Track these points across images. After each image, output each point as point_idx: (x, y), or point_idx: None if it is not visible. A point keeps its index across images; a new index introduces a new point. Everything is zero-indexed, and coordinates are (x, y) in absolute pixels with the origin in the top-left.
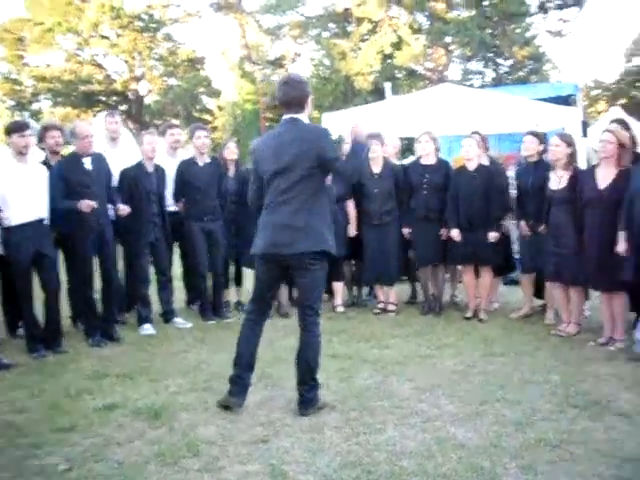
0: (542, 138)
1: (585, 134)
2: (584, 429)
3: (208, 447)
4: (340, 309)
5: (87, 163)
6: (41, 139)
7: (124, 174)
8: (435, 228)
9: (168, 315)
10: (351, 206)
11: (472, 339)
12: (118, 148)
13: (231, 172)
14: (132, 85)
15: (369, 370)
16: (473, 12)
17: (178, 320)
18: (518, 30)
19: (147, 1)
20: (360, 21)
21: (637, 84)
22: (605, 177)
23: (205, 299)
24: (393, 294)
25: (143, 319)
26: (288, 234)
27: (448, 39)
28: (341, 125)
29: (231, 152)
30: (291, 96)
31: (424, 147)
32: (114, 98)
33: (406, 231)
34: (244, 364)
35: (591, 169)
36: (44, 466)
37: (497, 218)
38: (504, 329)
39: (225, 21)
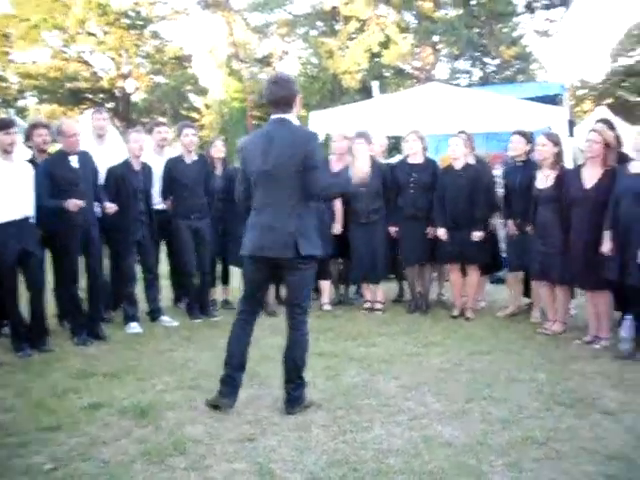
0: (529, 138)
1: (571, 134)
2: (570, 427)
3: (195, 445)
4: (327, 307)
5: (74, 161)
6: (28, 137)
7: (111, 172)
8: (422, 227)
9: (155, 313)
10: (338, 204)
11: (459, 337)
12: (105, 145)
13: (218, 170)
14: (119, 83)
15: (356, 368)
16: (461, 11)
17: (165, 318)
18: (505, 30)
19: None
20: (348, 20)
21: (623, 84)
22: (591, 177)
23: (192, 297)
24: (380, 292)
25: (129, 317)
26: (277, 237)
27: (435, 38)
28: (329, 124)
29: (218, 150)
30: (279, 95)
31: (411, 146)
32: (101, 95)
33: (393, 230)
34: (235, 364)
35: (577, 169)
36: (30, 465)
37: (483, 217)
38: (491, 327)
39: (212, 19)
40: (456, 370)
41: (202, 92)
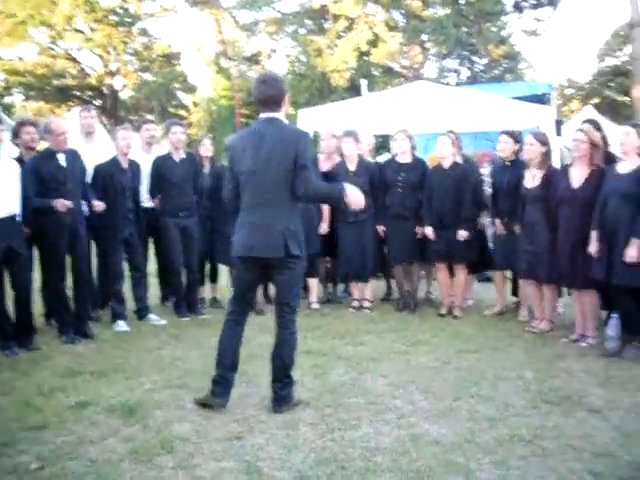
0: (517, 137)
1: (559, 133)
2: (556, 424)
3: (182, 444)
4: (315, 306)
5: (61, 159)
6: (16, 134)
7: (98, 170)
8: (410, 226)
9: (142, 312)
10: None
11: (446, 336)
12: (93, 144)
13: (206, 169)
14: (107, 80)
15: (344, 366)
16: (449, 10)
17: (152, 317)
18: (494, 29)
19: None
20: (336, 18)
21: (610, 84)
22: (578, 176)
23: (180, 295)
24: (368, 291)
25: (117, 316)
26: (267, 237)
27: (424, 37)
28: (317, 122)
29: (206, 149)
30: (268, 95)
31: (400, 145)
32: (88, 93)
33: (381, 229)
34: (227, 364)
35: (565, 168)
36: (16, 465)
37: (470, 216)
38: (478, 326)
39: (201, 16)
40: (444, 368)
41: (190, 90)
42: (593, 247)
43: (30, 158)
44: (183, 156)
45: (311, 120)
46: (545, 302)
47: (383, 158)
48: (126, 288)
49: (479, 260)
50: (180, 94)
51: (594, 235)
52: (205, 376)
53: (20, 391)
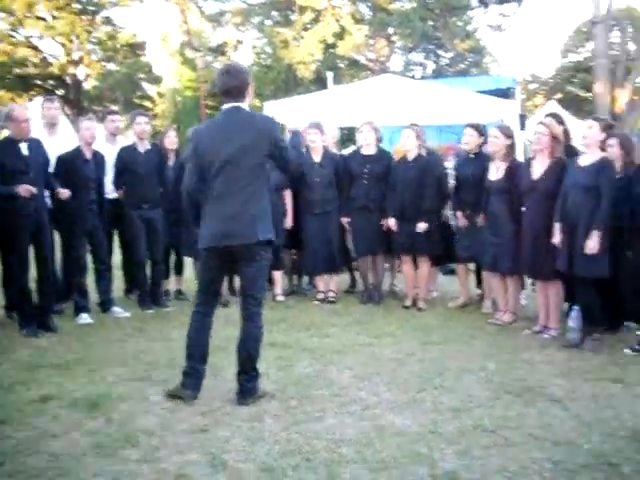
0: (482, 130)
1: (523, 127)
2: (518, 414)
3: (147, 437)
4: (280, 298)
5: (23, 148)
6: None
7: (61, 160)
8: (374, 218)
9: (106, 304)
10: (289, 196)
11: (411, 328)
12: (56, 136)
13: (171, 160)
14: (70, 69)
15: (309, 359)
16: (415, 4)
17: (116, 309)
18: (459, 23)
19: None
20: (303, 10)
21: (573, 80)
22: (539, 168)
23: (144, 288)
24: (333, 283)
25: (80, 308)
26: (241, 224)
27: (390, 30)
28: (283, 114)
29: (171, 141)
30: (232, 85)
31: (365, 137)
32: (50, 82)
33: (345, 220)
34: (198, 356)
35: (528, 161)
36: None
37: (431, 209)
38: (442, 318)
39: (166, 6)
40: (408, 360)
41: (155, 81)
42: (556, 239)
43: None
44: (148, 147)
45: (277, 113)
46: (509, 294)
47: (349, 151)
48: (90, 280)
49: (443, 252)
50: (145, 85)
51: (557, 227)
52: (170, 369)
53: None
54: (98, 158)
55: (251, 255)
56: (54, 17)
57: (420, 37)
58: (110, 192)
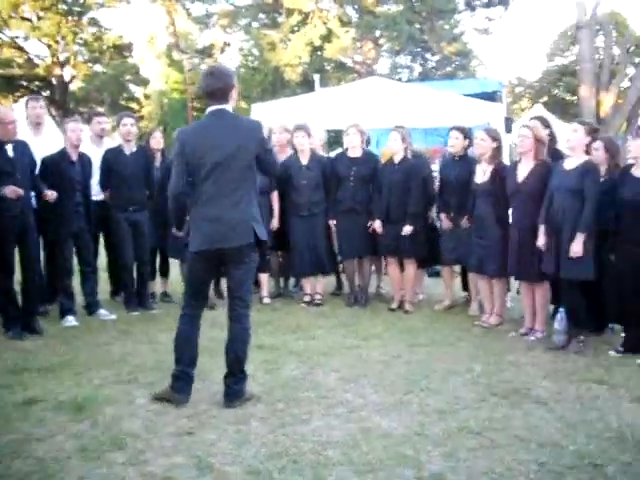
0: (467, 133)
1: (509, 130)
2: (504, 416)
3: (133, 440)
4: (266, 300)
5: (9, 150)
6: None
7: (45, 162)
8: (361, 220)
9: (92, 307)
10: (275, 198)
11: (397, 330)
12: (42, 136)
13: (157, 162)
14: (55, 70)
15: (295, 361)
16: (402, 7)
17: (102, 312)
18: (446, 26)
19: None
20: (290, 12)
21: (558, 83)
22: (523, 171)
23: (130, 290)
24: (320, 286)
25: (66, 311)
26: (234, 226)
27: (377, 33)
28: (270, 116)
29: (157, 142)
30: (216, 87)
31: (351, 140)
32: (36, 83)
33: (332, 223)
34: (187, 360)
35: (514, 164)
36: None
37: (417, 212)
38: (429, 320)
39: (153, 8)
40: (394, 362)
41: (142, 82)
42: (540, 241)
43: None
44: (134, 149)
45: (264, 115)
46: (495, 296)
47: (336, 153)
48: (75, 283)
49: (429, 254)
50: (131, 86)
51: (541, 230)
52: (156, 371)
53: None
54: (84, 160)
55: (240, 257)
56: (39, 18)
57: (407, 40)
58: (96, 194)
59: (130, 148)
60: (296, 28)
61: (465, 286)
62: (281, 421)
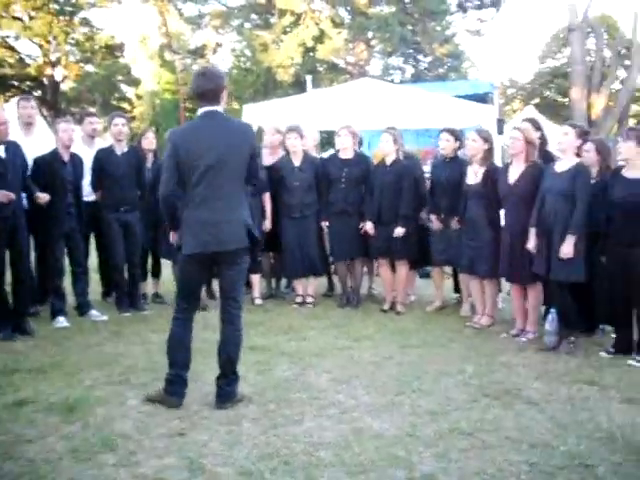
0: (458, 135)
1: (501, 132)
2: (496, 417)
3: (124, 441)
4: (258, 301)
5: (1, 151)
6: None
7: (37, 162)
8: (353, 222)
9: (83, 308)
10: (268, 199)
11: (389, 331)
12: (33, 136)
13: (149, 162)
14: (47, 70)
15: (287, 362)
16: (394, 8)
17: (93, 313)
18: (438, 28)
19: None
20: (282, 13)
21: (550, 85)
22: (515, 173)
23: (121, 291)
24: (311, 287)
25: (57, 312)
26: (230, 229)
27: (369, 34)
28: (262, 117)
29: (149, 142)
30: (207, 88)
31: (343, 141)
32: (27, 83)
33: (324, 224)
34: (181, 363)
35: (506, 166)
36: None
37: (408, 213)
38: (420, 321)
39: (145, 8)
40: (386, 363)
41: (134, 83)
42: (531, 244)
43: None
44: (125, 149)
45: (256, 116)
46: (486, 297)
47: (328, 154)
48: (67, 283)
49: (420, 255)
50: (123, 87)
51: (532, 232)
52: (148, 372)
53: None
54: (76, 160)
55: (234, 259)
56: (31, 17)
57: (399, 41)
58: (87, 195)
59: (121, 148)
60: (288, 29)
61: (457, 288)
62: (273, 422)
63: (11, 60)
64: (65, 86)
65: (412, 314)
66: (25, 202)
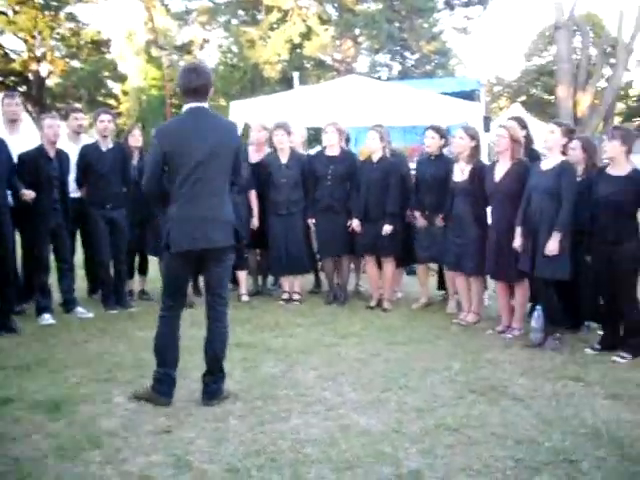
0: (443, 132)
1: (488, 129)
2: (481, 413)
3: (110, 439)
4: (245, 298)
5: None
6: None
7: (23, 158)
8: (339, 219)
9: (69, 305)
10: (254, 196)
11: (375, 328)
12: (18, 134)
13: (135, 159)
14: (32, 66)
15: (273, 359)
16: (381, 5)
17: (79, 310)
18: (425, 25)
19: None
20: (270, 9)
21: (536, 83)
22: (500, 171)
23: (107, 288)
24: (298, 284)
25: (42, 309)
26: (218, 226)
27: (357, 31)
28: (249, 114)
29: (136, 139)
30: (200, 84)
31: (329, 138)
32: (12, 78)
33: (310, 222)
34: (170, 362)
35: (493, 164)
36: None
37: (395, 210)
38: (407, 319)
39: (131, 3)
40: (373, 360)
41: (120, 78)
42: (517, 242)
43: None
44: (110, 146)
45: (243, 112)
46: (472, 294)
47: (315, 151)
48: (52, 280)
49: (406, 253)
50: (109, 83)
51: (518, 231)
52: (134, 369)
53: None
54: (62, 156)
55: (221, 256)
56: (15, 12)
57: (386, 38)
58: (74, 191)
59: (107, 145)
60: (275, 25)
61: (441, 285)
62: (259, 419)
63: None
64: (50, 82)
65: (399, 311)
66: (10, 199)
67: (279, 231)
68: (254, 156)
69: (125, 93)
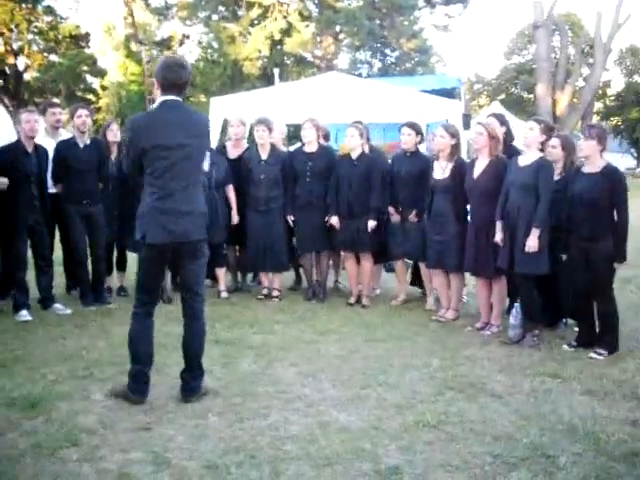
0: (419, 129)
1: (467, 127)
2: (460, 410)
3: (88, 436)
4: (224, 295)
5: None
6: None
7: None
8: (318, 215)
9: (47, 301)
10: (232, 191)
11: (355, 325)
12: None
13: (113, 155)
14: (9, 59)
15: (253, 356)
16: (362, 2)
17: (57, 306)
18: (406, 22)
19: None
20: (250, 5)
21: (515, 81)
22: (479, 167)
23: (85, 285)
24: (277, 280)
25: (19, 305)
26: (193, 220)
27: (337, 28)
28: (229, 110)
29: (114, 135)
30: (185, 79)
31: (307, 134)
32: None
33: (290, 218)
34: (144, 359)
35: (472, 161)
36: None
37: (379, 206)
38: (386, 315)
39: None
40: (352, 357)
41: (99, 73)
42: (498, 237)
43: None
44: (87, 141)
45: (223, 108)
46: (452, 291)
47: (294, 148)
48: (30, 276)
49: (382, 249)
50: (88, 77)
51: (498, 225)
52: (112, 366)
53: None
54: (40, 152)
55: (195, 252)
56: None
57: (367, 36)
58: (52, 187)
59: (84, 140)
60: (256, 21)
61: (413, 282)
62: (239, 416)
63: None
64: (28, 76)
65: (378, 308)
66: None
67: (258, 227)
68: (232, 152)
69: (104, 88)
